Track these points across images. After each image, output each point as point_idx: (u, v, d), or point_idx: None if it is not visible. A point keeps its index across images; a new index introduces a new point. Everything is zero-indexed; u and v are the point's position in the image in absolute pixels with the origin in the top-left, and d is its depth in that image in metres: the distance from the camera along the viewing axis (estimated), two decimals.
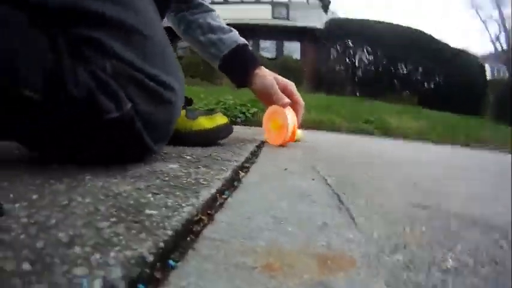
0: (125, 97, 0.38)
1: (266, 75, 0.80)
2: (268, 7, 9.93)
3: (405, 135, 2.35)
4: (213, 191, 0.36)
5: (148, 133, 0.43)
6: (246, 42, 0.82)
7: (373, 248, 0.27)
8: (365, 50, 6.98)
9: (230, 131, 0.75)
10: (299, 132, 1.12)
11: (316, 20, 8.98)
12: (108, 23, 0.38)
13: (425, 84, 7.15)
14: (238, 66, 0.80)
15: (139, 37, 0.40)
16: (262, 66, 0.82)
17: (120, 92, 0.38)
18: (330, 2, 10.77)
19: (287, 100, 0.80)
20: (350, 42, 7.01)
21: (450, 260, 0.27)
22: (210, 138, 0.70)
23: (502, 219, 0.40)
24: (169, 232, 0.25)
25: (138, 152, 0.45)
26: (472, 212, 0.42)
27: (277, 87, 0.80)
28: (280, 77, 0.83)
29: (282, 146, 0.85)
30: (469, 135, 2.99)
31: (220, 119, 0.71)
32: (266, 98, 0.82)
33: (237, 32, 0.82)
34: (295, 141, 1.04)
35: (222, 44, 0.78)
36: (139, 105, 0.40)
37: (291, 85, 0.84)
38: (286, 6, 9.97)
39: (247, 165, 0.58)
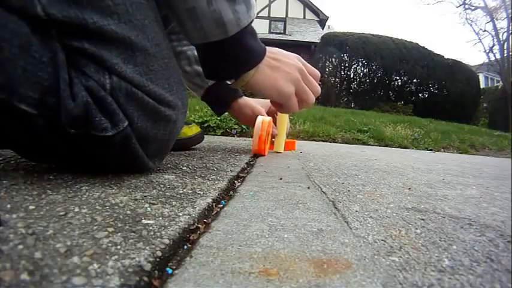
0: (122, 115, 0.38)
1: (245, 105, 0.87)
2: (266, 21, 10.10)
3: (400, 143, 2.37)
4: (209, 200, 0.37)
5: (145, 150, 0.43)
6: None
7: (369, 251, 0.28)
8: (360, 63, 7.07)
9: (203, 138, 0.90)
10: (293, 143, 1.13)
11: (313, 35, 9.14)
12: (112, 40, 0.37)
13: (420, 94, 7.23)
14: (221, 98, 0.87)
15: (143, 54, 0.40)
16: (244, 96, 0.89)
17: (117, 110, 0.38)
18: (327, 18, 10.94)
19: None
20: (345, 56, 7.10)
21: (446, 259, 0.27)
22: (190, 144, 0.84)
23: (498, 219, 0.40)
24: (166, 241, 0.25)
25: (134, 167, 0.45)
26: (467, 213, 0.42)
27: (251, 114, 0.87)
28: (263, 101, 0.90)
29: (261, 154, 0.86)
30: (464, 141, 3.02)
31: (196, 128, 0.85)
32: (244, 121, 0.91)
33: None
34: (291, 150, 1.05)
35: None
36: (137, 122, 0.40)
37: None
38: (283, 21, 10.15)
39: (242, 175, 0.58)
